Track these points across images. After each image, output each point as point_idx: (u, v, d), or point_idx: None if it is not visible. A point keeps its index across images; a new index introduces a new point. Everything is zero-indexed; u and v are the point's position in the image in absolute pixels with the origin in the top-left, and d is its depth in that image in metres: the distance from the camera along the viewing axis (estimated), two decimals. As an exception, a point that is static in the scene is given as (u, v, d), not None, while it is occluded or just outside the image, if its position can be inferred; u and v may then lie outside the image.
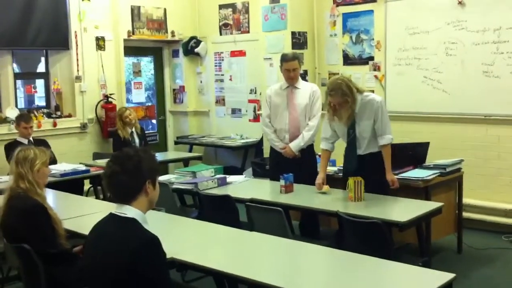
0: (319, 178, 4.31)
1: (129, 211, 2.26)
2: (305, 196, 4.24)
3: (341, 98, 4.05)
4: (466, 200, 5.23)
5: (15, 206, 3.15)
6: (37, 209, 3.15)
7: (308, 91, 4.89)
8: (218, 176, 4.77)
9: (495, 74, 5.52)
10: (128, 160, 2.27)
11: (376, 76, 6.45)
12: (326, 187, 4.28)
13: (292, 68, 4.80)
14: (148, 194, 2.30)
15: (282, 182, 4.29)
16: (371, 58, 6.51)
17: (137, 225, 2.24)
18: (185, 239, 3.39)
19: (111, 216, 2.30)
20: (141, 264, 2.12)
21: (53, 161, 5.93)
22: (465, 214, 5.27)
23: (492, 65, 5.53)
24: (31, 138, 6.01)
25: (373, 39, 6.47)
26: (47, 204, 3.26)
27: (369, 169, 4.14)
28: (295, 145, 4.82)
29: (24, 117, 6.03)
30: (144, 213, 2.31)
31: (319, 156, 5.17)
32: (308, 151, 4.89)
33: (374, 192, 4.04)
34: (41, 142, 6.10)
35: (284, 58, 4.86)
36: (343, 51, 6.75)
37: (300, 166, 4.73)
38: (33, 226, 3.10)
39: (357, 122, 4.18)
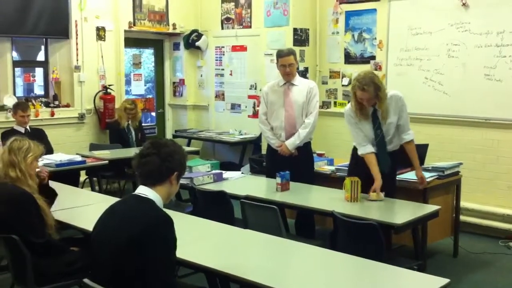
0: (375, 185, 3.92)
1: (150, 192, 2.39)
2: (301, 195, 4.20)
3: (374, 93, 3.91)
4: (463, 203, 5.20)
5: (2, 194, 3.11)
6: (25, 197, 3.11)
7: (306, 88, 4.83)
8: (214, 171, 4.73)
9: (497, 78, 5.48)
10: (166, 147, 2.43)
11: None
12: (381, 195, 3.92)
13: (287, 64, 4.74)
14: (171, 185, 2.44)
15: (278, 180, 4.25)
16: (373, 58, 6.47)
17: (155, 205, 2.37)
18: (178, 235, 3.32)
19: (133, 195, 2.45)
20: (151, 240, 2.22)
21: (49, 150, 5.92)
22: (462, 218, 5.23)
23: (494, 68, 5.48)
24: (27, 127, 5.97)
25: (375, 38, 6.43)
26: (36, 195, 3.22)
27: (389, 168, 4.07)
28: (291, 143, 4.77)
29: (21, 106, 5.99)
30: (163, 200, 2.43)
31: (317, 154, 5.16)
32: (304, 149, 4.84)
33: (387, 191, 3.95)
34: (38, 131, 6.08)
35: (280, 54, 4.81)
36: (345, 49, 6.71)
37: (296, 164, 4.69)
38: (21, 215, 3.06)
39: (382, 121, 4.04)
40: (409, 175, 4.48)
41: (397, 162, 4.17)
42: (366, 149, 4.09)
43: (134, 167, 2.45)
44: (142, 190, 2.41)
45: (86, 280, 2.38)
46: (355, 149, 4.23)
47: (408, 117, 4.13)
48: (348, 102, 6.51)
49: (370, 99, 3.93)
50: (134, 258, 2.22)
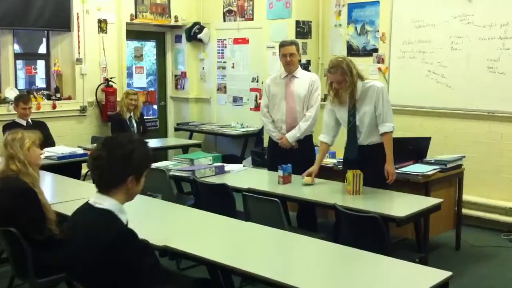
0: (310, 169, 4.27)
1: (105, 201, 2.18)
2: (302, 188, 4.18)
3: (341, 76, 4.01)
4: (466, 197, 5.18)
5: (4, 188, 3.10)
6: (26, 192, 3.10)
7: (307, 81, 4.81)
8: (216, 164, 4.72)
9: (500, 70, 5.45)
10: (118, 149, 2.18)
11: (379, 69, 6.37)
12: (308, 179, 4.22)
13: (289, 53, 4.72)
14: (129, 188, 2.22)
15: (280, 172, 4.24)
16: (375, 50, 6.43)
17: (111, 217, 2.16)
18: (180, 227, 3.35)
19: (87, 206, 2.22)
20: (112, 257, 2.07)
21: (51, 143, 5.91)
22: (465, 211, 5.22)
23: (498, 61, 5.45)
24: (29, 120, 5.96)
25: (378, 31, 6.39)
26: (38, 188, 3.21)
27: (368, 160, 4.07)
28: (292, 136, 4.76)
29: (22, 98, 5.98)
30: (121, 203, 2.23)
31: (318, 146, 5.14)
32: (306, 142, 4.82)
33: (372, 184, 3.98)
34: (39, 124, 6.07)
35: (282, 44, 4.81)
36: (347, 42, 6.68)
37: (298, 157, 4.67)
38: (21, 209, 3.05)
39: (357, 109, 4.11)
40: (411, 168, 4.47)
41: (381, 154, 4.09)
42: (323, 137, 4.34)
43: (88, 169, 2.25)
44: (98, 199, 2.19)
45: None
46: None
47: (388, 109, 4.12)
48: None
49: (339, 82, 4.03)
50: (106, 276, 2.10)
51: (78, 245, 2.17)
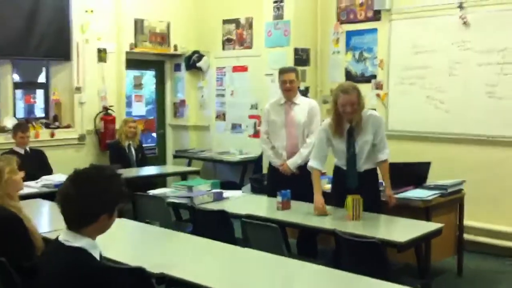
0: (319, 201, 4.08)
1: (75, 239, 2.05)
2: (302, 214, 4.14)
3: (356, 99, 3.98)
4: (467, 222, 5.12)
5: None
6: (11, 221, 3.04)
7: (307, 107, 4.82)
8: (214, 190, 4.68)
9: (499, 95, 5.45)
10: (89, 186, 2.04)
11: (378, 95, 6.38)
12: (323, 210, 4.06)
13: (289, 80, 4.74)
14: (100, 225, 2.09)
15: (279, 198, 4.20)
16: (374, 77, 6.45)
17: (83, 255, 2.04)
18: (177, 254, 3.30)
19: (57, 245, 2.09)
20: None
21: (49, 171, 5.89)
22: (467, 236, 5.16)
23: (496, 86, 5.46)
24: (27, 148, 5.94)
25: (376, 58, 6.42)
26: (23, 215, 3.15)
27: (364, 186, 4.06)
28: (293, 163, 4.74)
29: (21, 127, 5.98)
30: (93, 239, 2.11)
31: (321, 174, 5.10)
32: (306, 168, 4.79)
33: (370, 209, 3.95)
34: (37, 153, 6.06)
35: (281, 70, 4.83)
36: (346, 68, 6.70)
37: (298, 183, 4.65)
38: (8, 238, 2.99)
39: (357, 138, 4.10)
40: (411, 193, 4.44)
41: (376, 179, 4.19)
42: (316, 164, 4.22)
43: (57, 204, 2.11)
44: (68, 236, 2.06)
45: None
46: (336, 167, 4.30)
47: (385, 138, 4.16)
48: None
49: (353, 103, 3.97)
50: None
51: (46, 284, 2.06)
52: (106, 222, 2.11)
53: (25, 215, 3.19)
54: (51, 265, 2.09)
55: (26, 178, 3.40)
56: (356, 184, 4.10)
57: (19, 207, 3.19)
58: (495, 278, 4.81)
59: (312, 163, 4.25)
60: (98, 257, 2.13)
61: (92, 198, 2.04)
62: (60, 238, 2.10)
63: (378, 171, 4.24)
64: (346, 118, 4.06)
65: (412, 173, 4.75)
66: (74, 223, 2.07)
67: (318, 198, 4.10)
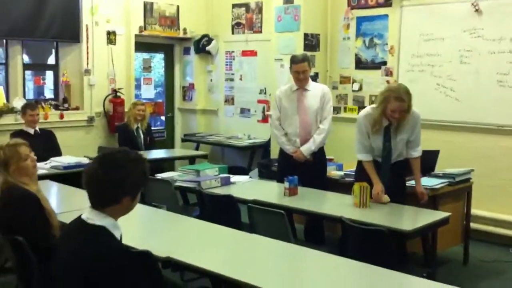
0: (378, 188, 3.97)
1: (98, 218, 2.12)
2: (309, 200, 4.15)
3: (408, 106, 3.91)
4: (474, 211, 5.11)
5: (6, 197, 3.08)
6: (28, 199, 3.07)
7: (319, 93, 4.80)
8: (221, 175, 4.69)
9: (510, 84, 5.40)
10: (115, 169, 2.11)
11: (388, 82, 6.34)
12: (386, 197, 3.96)
13: (301, 70, 4.71)
14: (124, 207, 2.16)
15: (286, 184, 4.21)
16: (384, 63, 6.41)
17: (103, 235, 2.10)
18: (183, 238, 3.32)
19: (79, 222, 2.15)
20: (100, 277, 2.01)
21: (58, 153, 5.92)
22: (474, 225, 5.15)
23: (508, 75, 5.41)
24: (37, 128, 5.96)
25: (386, 44, 6.37)
26: (41, 195, 3.18)
27: (393, 178, 4.06)
28: (306, 149, 4.74)
29: (30, 105, 6.02)
30: (115, 220, 2.17)
31: (329, 160, 5.11)
32: (319, 154, 4.81)
33: (394, 200, 3.93)
34: (47, 133, 6.09)
35: (294, 60, 4.77)
36: (356, 54, 6.66)
37: (310, 169, 4.66)
38: (25, 217, 3.03)
39: (393, 135, 4.05)
40: (423, 181, 4.41)
41: (405, 170, 4.16)
42: (365, 156, 4.12)
43: (83, 184, 2.15)
44: (91, 215, 2.13)
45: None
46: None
47: (420, 135, 4.12)
48: (359, 108, 6.54)
49: (403, 110, 3.90)
50: None
51: (65, 260, 2.11)
52: (129, 204, 2.17)
53: (43, 195, 3.21)
54: (71, 242, 2.14)
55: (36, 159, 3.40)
56: (387, 180, 4.06)
57: (35, 189, 3.20)
58: (500, 267, 4.81)
59: (361, 157, 4.14)
60: (118, 238, 2.18)
61: (117, 180, 2.10)
62: (83, 217, 2.16)
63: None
64: (392, 120, 4.00)
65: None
66: (98, 202, 2.13)
67: (377, 187, 3.97)
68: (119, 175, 2.10)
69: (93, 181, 2.12)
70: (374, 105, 4.15)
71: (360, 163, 4.23)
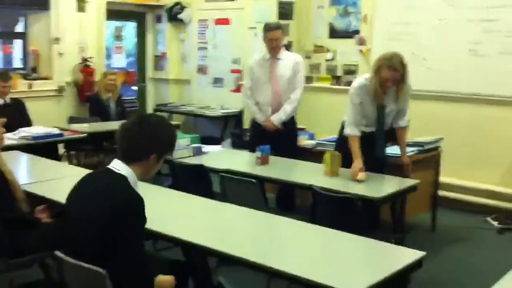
0: (357, 166, 3.85)
1: (124, 169, 2.29)
2: (280, 169, 4.17)
3: (401, 77, 3.87)
4: (447, 179, 5.20)
5: None
6: None
7: (291, 63, 4.79)
8: (193, 145, 4.67)
9: (483, 53, 5.45)
10: (151, 127, 2.32)
11: (361, 51, 6.35)
12: (363, 174, 3.85)
13: (275, 38, 4.69)
14: (149, 164, 2.34)
15: (258, 153, 4.22)
16: (357, 32, 6.40)
17: (126, 183, 2.26)
18: (155, 208, 3.27)
19: (105, 169, 2.33)
20: (119, 220, 2.14)
21: (28, 123, 5.81)
22: (444, 193, 5.25)
23: (480, 44, 5.45)
24: (7, 99, 5.84)
25: (360, 13, 6.35)
26: (4, 168, 3.12)
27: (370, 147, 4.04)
28: (277, 119, 4.75)
29: (1, 76, 5.85)
30: (137, 177, 2.33)
31: (301, 129, 5.12)
32: (289, 123, 4.82)
33: (372, 169, 3.92)
34: (17, 103, 5.97)
35: (267, 28, 4.74)
36: (330, 23, 6.63)
37: (281, 138, 4.67)
38: None
39: (387, 105, 4.03)
40: (388, 150, 4.43)
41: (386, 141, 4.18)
42: (354, 131, 4.01)
43: (116, 139, 2.34)
44: (116, 165, 2.31)
45: (57, 253, 2.33)
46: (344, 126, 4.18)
47: (407, 105, 4.12)
48: (332, 77, 6.55)
49: (396, 79, 3.86)
50: (103, 236, 2.15)
51: (85, 204, 2.26)
52: (153, 164, 2.34)
53: (7, 168, 3.15)
54: (94, 183, 2.34)
55: (6, 130, 3.33)
56: (383, 155, 4.09)
57: (0, 161, 3.14)
58: (466, 234, 4.93)
59: (349, 131, 4.02)
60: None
61: (151, 136, 2.31)
62: (109, 165, 2.33)
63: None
64: (383, 89, 3.94)
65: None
66: (127, 156, 2.31)
67: (357, 163, 3.87)
68: (154, 133, 2.32)
69: (127, 134, 2.31)
70: (366, 75, 4.06)
71: (342, 135, 4.15)
